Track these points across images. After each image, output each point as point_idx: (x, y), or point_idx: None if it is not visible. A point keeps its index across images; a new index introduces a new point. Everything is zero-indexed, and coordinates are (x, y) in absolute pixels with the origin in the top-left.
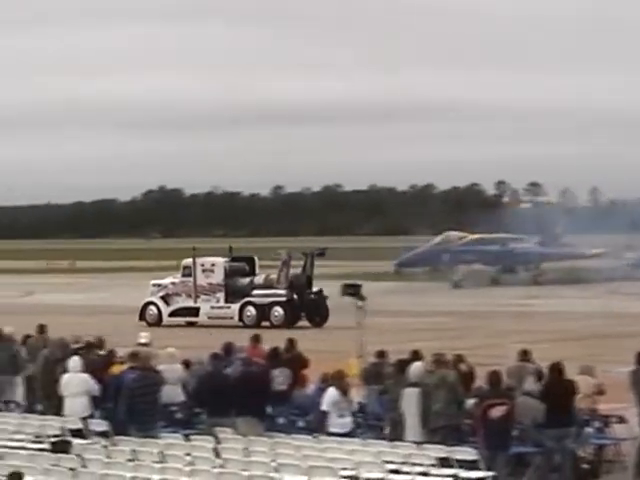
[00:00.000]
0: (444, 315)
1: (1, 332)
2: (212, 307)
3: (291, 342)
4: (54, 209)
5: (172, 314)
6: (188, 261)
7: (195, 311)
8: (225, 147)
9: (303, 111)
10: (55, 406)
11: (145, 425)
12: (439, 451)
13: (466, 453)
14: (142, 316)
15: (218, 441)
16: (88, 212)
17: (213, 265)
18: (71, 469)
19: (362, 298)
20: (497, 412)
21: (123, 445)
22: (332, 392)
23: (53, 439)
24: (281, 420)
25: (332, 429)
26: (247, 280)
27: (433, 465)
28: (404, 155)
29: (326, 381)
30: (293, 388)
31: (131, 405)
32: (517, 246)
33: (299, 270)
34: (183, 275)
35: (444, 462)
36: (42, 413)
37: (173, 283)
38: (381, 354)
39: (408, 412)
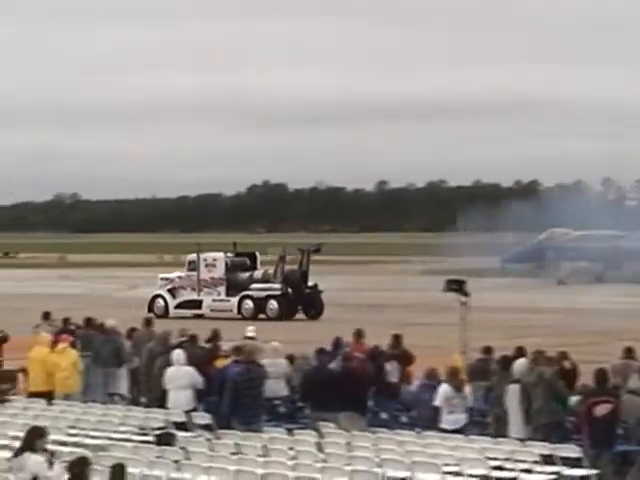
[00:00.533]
0: (548, 312)
1: (104, 325)
2: (214, 300)
3: (397, 338)
4: (159, 203)
5: (178, 306)
6: (192, 256)
7: (198, 304)
8: (329, 143)
9: (407, 107)
10: (158, 399)
11: (248, 419)
12: (542, 448)
13: (570, 450)
14: (150, 308)
15: (321, 435)
16: (192, 206)
17: (215, 260)
18: (175, 461)
19: (466, 294)
20: (602, 410)
21: (227, 438)
22: (445, 388)
23: (157, 432)
24: (384, 415)
25: (443, 425)
26: (247, 275)
27: (536, 462)
28: (509, 151)
29: (431, 377)
30: (401, 383)
31: (235, 399)
32: (623, 243)
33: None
34: (188, 269)
35: (547, 459)
36: (147, 406)
37: (179, 277)
38: (487, 350)
39: (511, 409)
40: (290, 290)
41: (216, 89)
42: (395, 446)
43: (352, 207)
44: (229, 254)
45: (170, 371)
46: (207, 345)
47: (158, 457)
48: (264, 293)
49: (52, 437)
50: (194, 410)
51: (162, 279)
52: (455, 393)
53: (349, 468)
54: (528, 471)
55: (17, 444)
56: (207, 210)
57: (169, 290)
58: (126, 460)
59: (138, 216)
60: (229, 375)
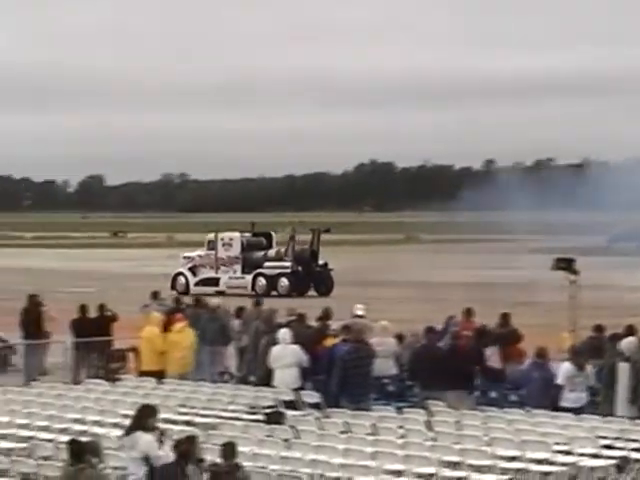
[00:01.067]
0: None
1: (208, 304)
2: (230, 277)
3: (505, 317)
4: (267, 182)
5: (197, 284)
6: (211, 235)
7: (216, 281)
8: (437, 121)
9: (514, 86)
10: (264, 377)
11: (357, 397)
12: None
13: None
14: (173, 285)
15: (430, 414)
16: (300, 185)
17: (231, 240)
18: (284, 440)
19: (575, 272)
20: None
21: (336, 417)
22: (568, 366)
23: (267, 410)
24: (493, 394)
25: (564, 404)
26: (261, 253)
27: None
28: (621, 128)
29: (541, 356)
30: (505, 365)
31: (343, 377)
32: None
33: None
34: (208, 249)
35: None
36: (256, 384)
37: (200, 256)
38: (598, 328)
39: (621, 386)
40: (300, 268)
41: (325, 67)
42: (504, 425)
43: (458, 185)
44: (246, 234)
45: (275, 350)
46: (316, 324)
47: (268, 436)
48: (276, 271)
49: (162, 416)
50: (301, 389)
51: (184, 257)
52: (577, 372)
53: (458, 447)
54: (639, 450)
55: (127, 422)
56: (314, 189)
57: (190, 268)
58: (236, 438)
59: (245, 195)
60: (337, 354)
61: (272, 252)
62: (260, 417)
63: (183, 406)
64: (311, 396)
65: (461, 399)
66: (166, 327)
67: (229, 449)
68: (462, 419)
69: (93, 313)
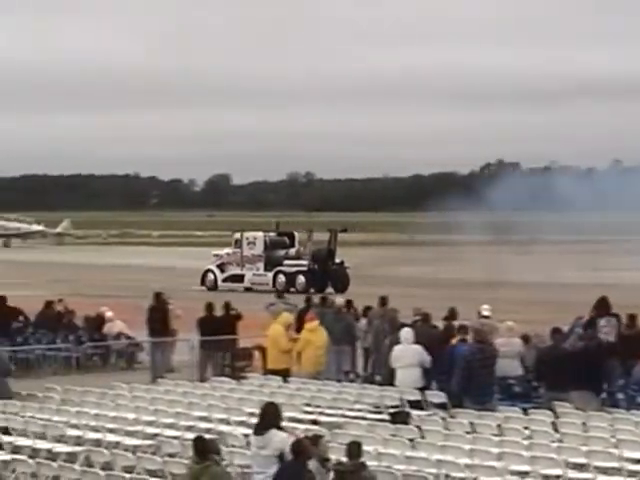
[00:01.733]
0: None
1: (334, 303)
2: (254, 274)
3: (632, 318)
4: (392, 182)
5: (225, 280)
6: (238, 235)
7: (241, 278)
8: (560, 120)
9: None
10: (388, 377)
11: (480, 398)
12: None
13: None
14: (203, 281)
15: (557, 415)
16: (427, 185)
17: (255, 239)
18: (410, 440)
19: None
20: None
21: (461, 417)
22: None
23: (392, 410)
24: (620, 395)
25: None
26: (282, 252)
27: None
28: None
29: None
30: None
31: (467, 377)
32: None
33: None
34: (235, 247)
35: None
36: (380, 384)
37: (228, 254)
38: None
39: None
40: (316, 266)
41: (452, 66)
42: (632, 426)
43: (583, 186)
44: (270, 233)
45: (397, 349)
46: (442, 323)
47: (393, 435)
48: (294, 269)
49: (288, 414)
50: (425, 388)
51: (214, 255)
52: None
53: (585, 448)
54: None
55: (253, 421)
56: (442, 189)
57: (218, 265)
58: (361, 438)
59: (369, 195)
60: (460, 354)
61: (292, 251)
62: (385, 417)
63: (308, 405)
64: (437, 396)
65: (587, 400)
66: (298, 326)
67: (354, 448)
68: (589, 420)
69: (219, 311)
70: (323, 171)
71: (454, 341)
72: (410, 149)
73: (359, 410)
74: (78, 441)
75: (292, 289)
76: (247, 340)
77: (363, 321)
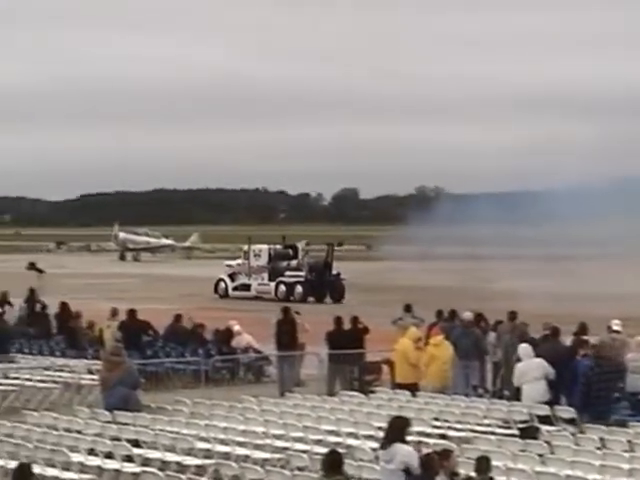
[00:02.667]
0: None
1: (463, 318)
2: (259, 284)
3: None
4: (516, 195)
5: (234, 289)
6: (246, 247)
7: (248, 287)
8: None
9: None
10: (516, 392)
11: (601, 413)
12: None
13: None
14: (215, 289)
15: None
16: (559, 197)
17: (260, 251)
18: (539, 455)
19: None
20: None
21: (591, 433)
22: None
23: (522, 425)
24: None
25: None
26: (285, 263)
27: None
28: None
29: None
30: None
31: (585, 393)
32: None
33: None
34: (244, 258)
35: None
36: (509, 399)
37: (238, 264)
38: None
39: None
40: (314, 277)
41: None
42: None
43: None
44: (277, 246)
45: (520, 366)
46: (571, 339)
47: (522, 450)
48: (293, 279)
49: (417, 429)
50: (553, 403)
51: (227, 265)
52: None
53: None
54: None
55: (382, 435)
56: (575, 200)
57: (229, 275)
58: (490, 453)
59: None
60: (581, 369)
61: (294, 262)
62: (514, 432)
63: (437, 419)
64: (566, 411)
65: None
66: (425, 340)
67: (483, 463)
68: None
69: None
70: (452, 185)
71: (579, 356)
72: (540, 161)
73: (488, 425)
74: (207, 454)
75: (291, 297)
76: (374, 354)
77: (492, 335)
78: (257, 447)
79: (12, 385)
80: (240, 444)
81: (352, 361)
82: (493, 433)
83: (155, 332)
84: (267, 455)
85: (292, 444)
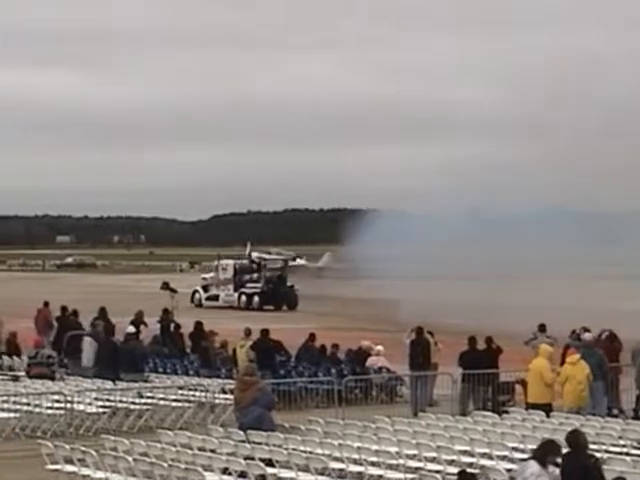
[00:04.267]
0: None
1: (584, 338)
2: (226, 295)
3: None
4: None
5: (207, 299)
6: (216, 262)
7: (217, 297)
8: None
9: None
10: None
11: None
12: None
13: None
14: (192, 299)
15: None
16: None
17: (227, 265)
18: None
19: None
20: None
21: None
22: None
23: None
24: None
25: None
26: (248, 276)
27: None
28: None
29: None
30: None
31: None
32: None
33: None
34: (215, 272)
35: None
36: None
37: (211, 277)
38: None
39: None
40: (270, 288)
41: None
42: None
43: None
44: (243, 261)
45: None
46: None
47: None
48: (251, 290)
49: None
50: None
51: (202, 278)
52: None
53: None
54: None
55: (516, 455)
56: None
57: (203, 286)
58: (626, 474)
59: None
60: None
61: (255, 275)
62: None
63: None
64: None
65: None
66: (561, 360)
67: None
68: None
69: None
70: (575, 202)
71: None
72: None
73: (623, 446)
74: (341, 474)
75: (250, 306)
76: (507, 374)
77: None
78: (390, 467)
79: (146, 404)
80: (373, 464)
81: (486, 381)
82: (628, 454)
83: (286, 352)
84: (400, 475)
85: (425, 464)
